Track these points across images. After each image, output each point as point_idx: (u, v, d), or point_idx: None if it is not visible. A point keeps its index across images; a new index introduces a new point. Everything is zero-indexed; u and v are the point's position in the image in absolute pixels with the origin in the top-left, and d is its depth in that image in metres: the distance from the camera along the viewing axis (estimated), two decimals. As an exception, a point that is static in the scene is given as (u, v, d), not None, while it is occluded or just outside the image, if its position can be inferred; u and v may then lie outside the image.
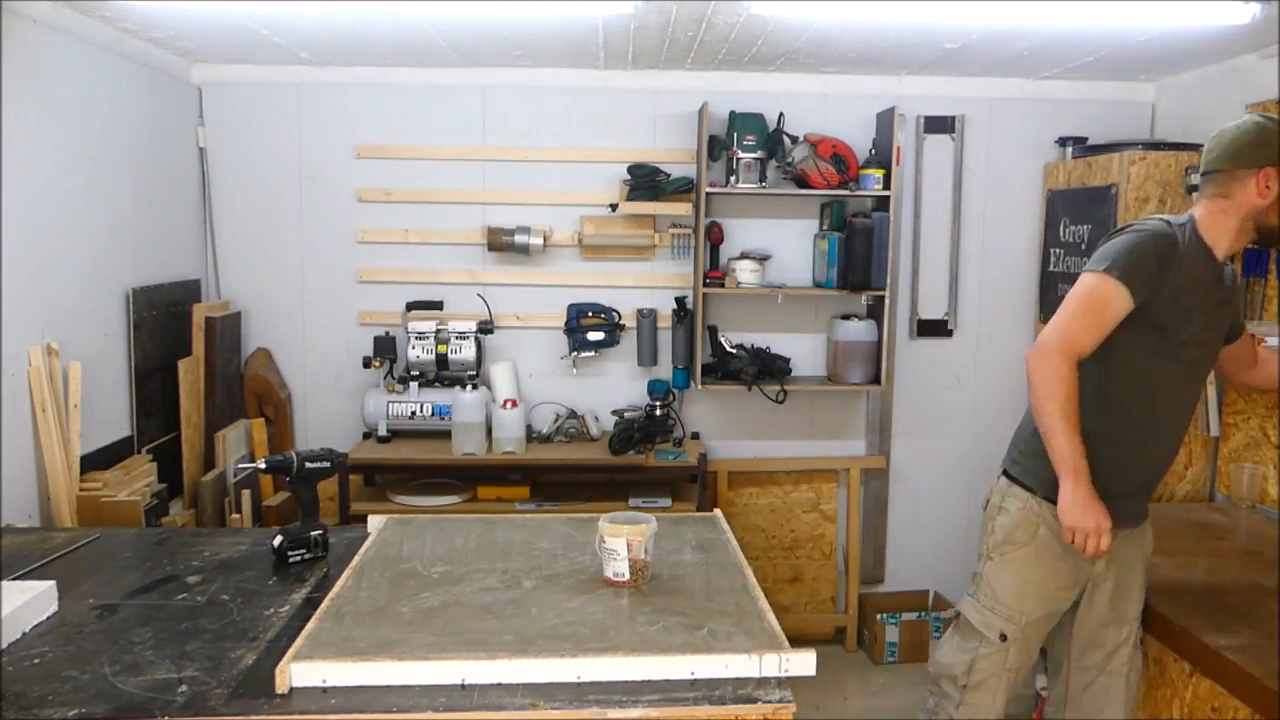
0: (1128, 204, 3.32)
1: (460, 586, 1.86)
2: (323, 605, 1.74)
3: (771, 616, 1.71)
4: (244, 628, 1.74)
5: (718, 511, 2.39)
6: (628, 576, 1.84)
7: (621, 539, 1.83)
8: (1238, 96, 3.35)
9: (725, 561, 2.03)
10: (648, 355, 3.90)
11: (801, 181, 3.71)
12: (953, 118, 3.96)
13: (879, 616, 3.93)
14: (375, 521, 2.25)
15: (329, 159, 3.87)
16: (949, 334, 4.08)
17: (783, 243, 3.95)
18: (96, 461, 2.96)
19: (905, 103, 3.79)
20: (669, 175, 3.78)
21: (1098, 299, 1.96)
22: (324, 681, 1.49)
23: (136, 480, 3.02)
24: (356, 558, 2.01)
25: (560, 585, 1.87)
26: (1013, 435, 2.35)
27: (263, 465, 2.11)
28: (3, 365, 2.58)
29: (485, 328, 3.74)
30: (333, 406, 3.95)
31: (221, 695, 1.48)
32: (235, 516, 3.41)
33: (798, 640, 1.60)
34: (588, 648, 1.57)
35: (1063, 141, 3.89)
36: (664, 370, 3.96)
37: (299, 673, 1.49)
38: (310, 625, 1.65)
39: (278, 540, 2.08)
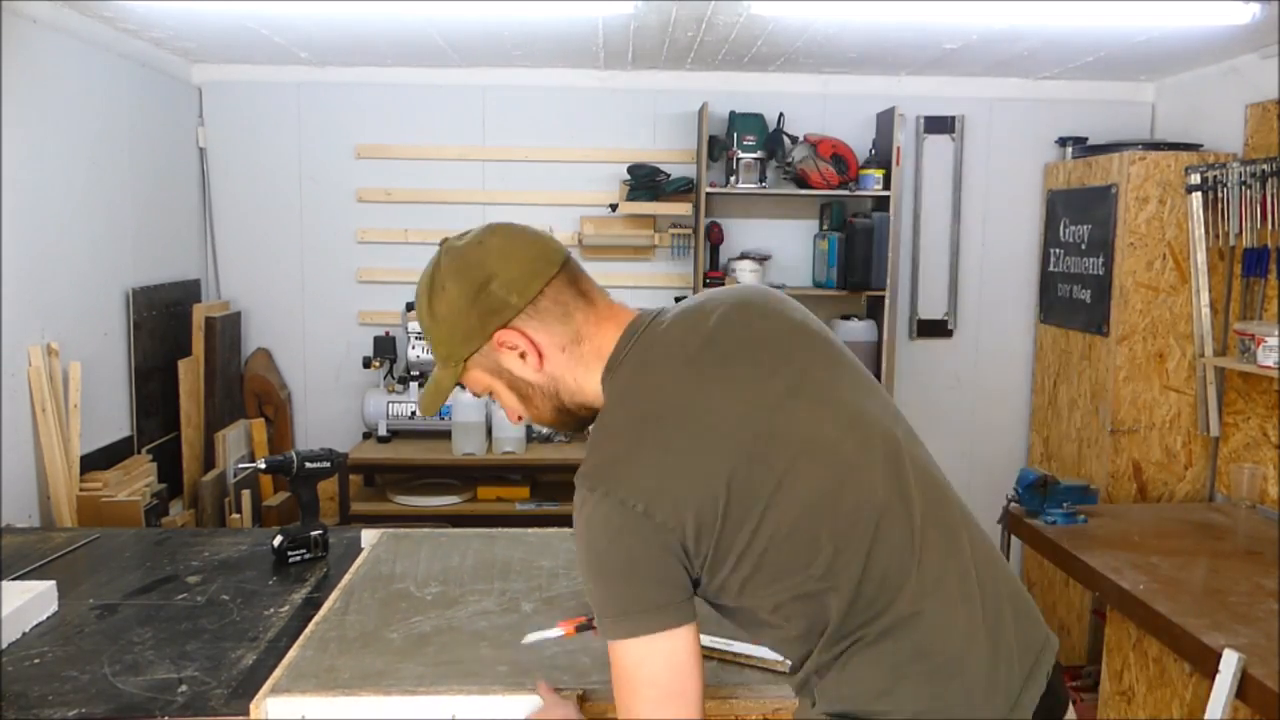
0: (1127, 204, 3.33)
1: (455, 610, 1.76)
2: (306, 631, 1.65)
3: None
4: (244, 628, 1.73)
5: None
6: None
7: None
8: (1238, 96, 3.35)
9: None
10: (648, 355, 3.89)
11: (801, 181, 3.71)
12: (953, 118, 3.95)
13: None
14: (369, 536, 2.16)
15: (329, 159, 3.87)
16: (949, 334, 4.08)
17: (783, 243, 3.95)
18: (96, 461, 2.96)
19: (905, 103, 3.79)
20: (669, 175, 3.78)
21: None
22: (303, 717, 1.41)
23: (136, 480, 3.02)
24: (346, 577, 1.93)
25: (561, 608, 1.77)
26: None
27: (263, 465, 2.11)
28: (3, 365, 2.58)
29: (485, 328, 3.73)
30: (333, 406, 3.95)
31: (221, 695, 1.48)
32: (235, 516, 3.41)
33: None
34: (589, 680, 1.48)
35: (1063, 141, 3.89)
36: (664, 370, 3.95)
37: (275, 708, 1.41)
38: (291, 653, 1.56)
39: (278, 540, 2.08)
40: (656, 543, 1.11)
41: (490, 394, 1.29)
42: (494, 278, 1.19)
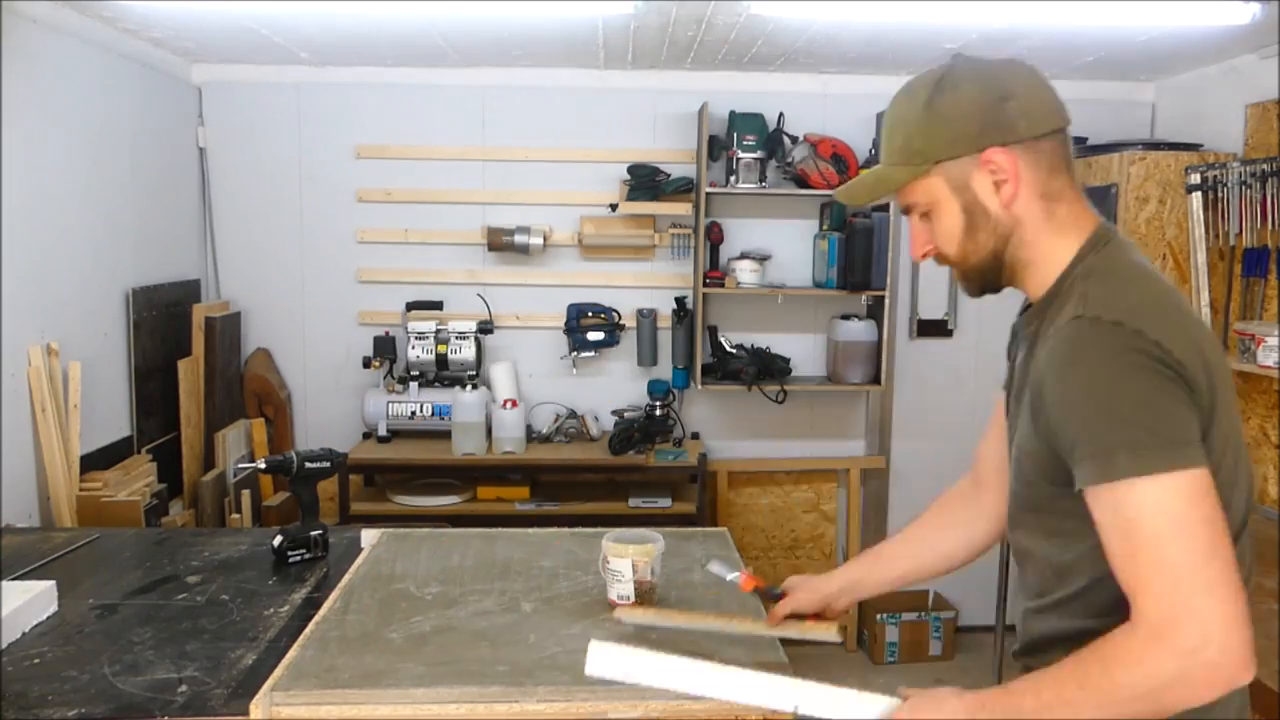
0: (1128, 204, 3.33)
1: (455, 609, 1.75)
2: (306, 631, 1.65)
3: (782, 651, 1.60)
4: (244, 628, 1.73)
5: (725, 529, 2.32)
6: (633, 599, 1.72)
7: (627, 560, 1.71)
8: (1237, 96, 3.35)
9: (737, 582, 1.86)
10: (647, 355, 3.90)
11: (801, 181, 3.71)
12: (953, 118, 3.95)
13: (879, 617, 3.93)
14: (369, 536, 2.15)
15: (329, 159, 3.87)
16: (949, 334, 4.08)
17: (783, 243, 3.95)
18: (96, 461, 2.96)
19: (905, 103, 3.78)
20: (669, 175, 3.78)
21: None
22: (303, 717, 1.41)
23: (136, 480, 3.02)
24: (346, 577, 1.92)
25: (562, 608, 1.76)
26: None
27: (263, 465, 2.11)
28: (3, 365, 2.58)
29: (485, 328, 3.74)
30: (333, 406, 3.95)
31: (221, 695, 1.48)
32: (235, 516, 3.41)
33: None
34: (589, 680, 1.46)
35: (1063, 141, 3.89)
36: (664, 370, 3.96)
37: (275, 708, 1.42)
38: (291, 653, 1.55)
39: (278, 540, 2.08)
40: (1176, 379, 1.05)
41: (924, 214, 1.22)
42: (1014, 97, 1.14)
